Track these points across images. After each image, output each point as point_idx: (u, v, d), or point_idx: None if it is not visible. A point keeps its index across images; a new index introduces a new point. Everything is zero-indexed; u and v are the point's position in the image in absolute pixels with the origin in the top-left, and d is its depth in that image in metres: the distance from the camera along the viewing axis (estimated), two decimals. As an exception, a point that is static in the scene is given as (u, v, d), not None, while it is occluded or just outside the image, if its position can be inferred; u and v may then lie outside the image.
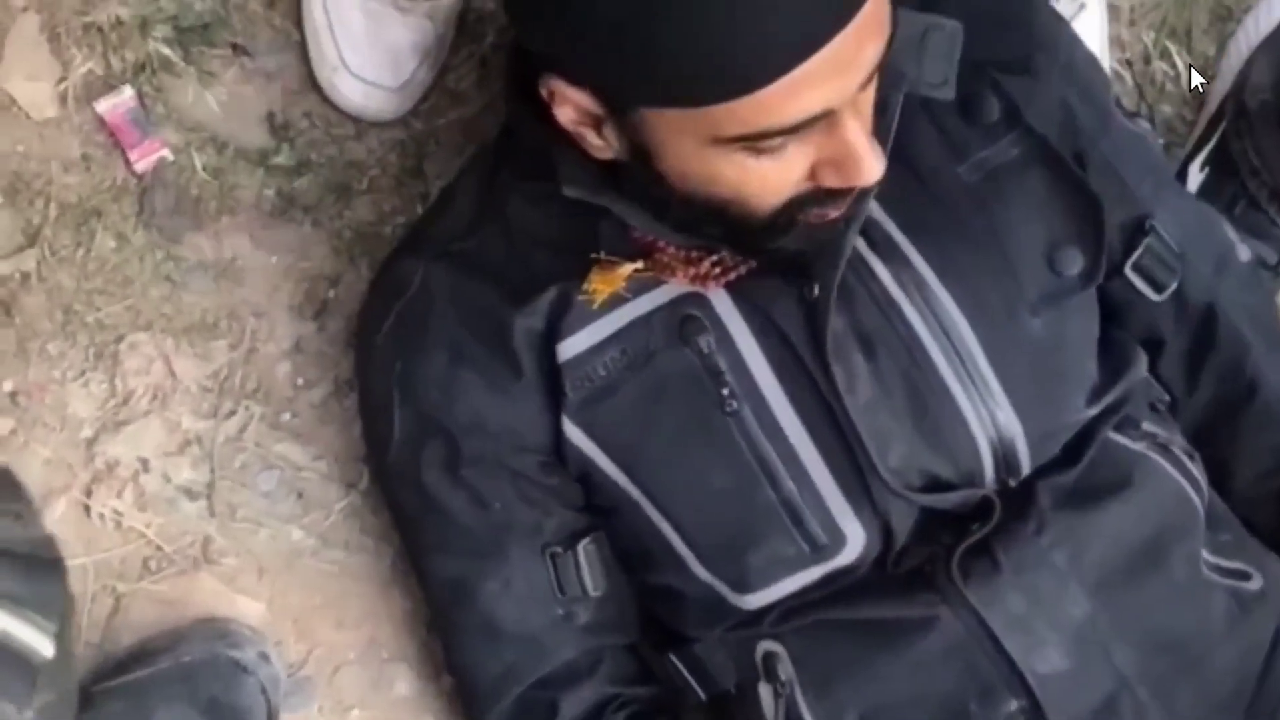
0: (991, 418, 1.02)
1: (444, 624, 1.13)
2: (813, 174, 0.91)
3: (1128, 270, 1.09)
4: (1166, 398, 1.15)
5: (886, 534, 1.03)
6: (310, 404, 1.26)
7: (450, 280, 1.07)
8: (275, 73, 1.28)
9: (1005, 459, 1.03)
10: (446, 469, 1.06)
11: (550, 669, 1.08)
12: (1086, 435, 1.06)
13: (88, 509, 1.22)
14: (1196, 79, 1.34)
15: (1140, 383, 1.11)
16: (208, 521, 1.24)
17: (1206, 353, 1.13)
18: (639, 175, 0.94)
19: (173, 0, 1.27)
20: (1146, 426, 1.09)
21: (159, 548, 1.23)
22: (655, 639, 1.13)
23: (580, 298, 1.02)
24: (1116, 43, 1.34)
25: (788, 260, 0.98)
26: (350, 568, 1.25)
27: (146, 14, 1.26)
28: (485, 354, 1.04)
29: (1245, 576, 1.09)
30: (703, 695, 1.09)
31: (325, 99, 1.28)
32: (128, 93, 1.26)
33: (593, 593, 1.08)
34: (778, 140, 0.88)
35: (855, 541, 1.02)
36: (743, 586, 1.04)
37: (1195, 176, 1.28)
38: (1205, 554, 1.08)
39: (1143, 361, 1.12)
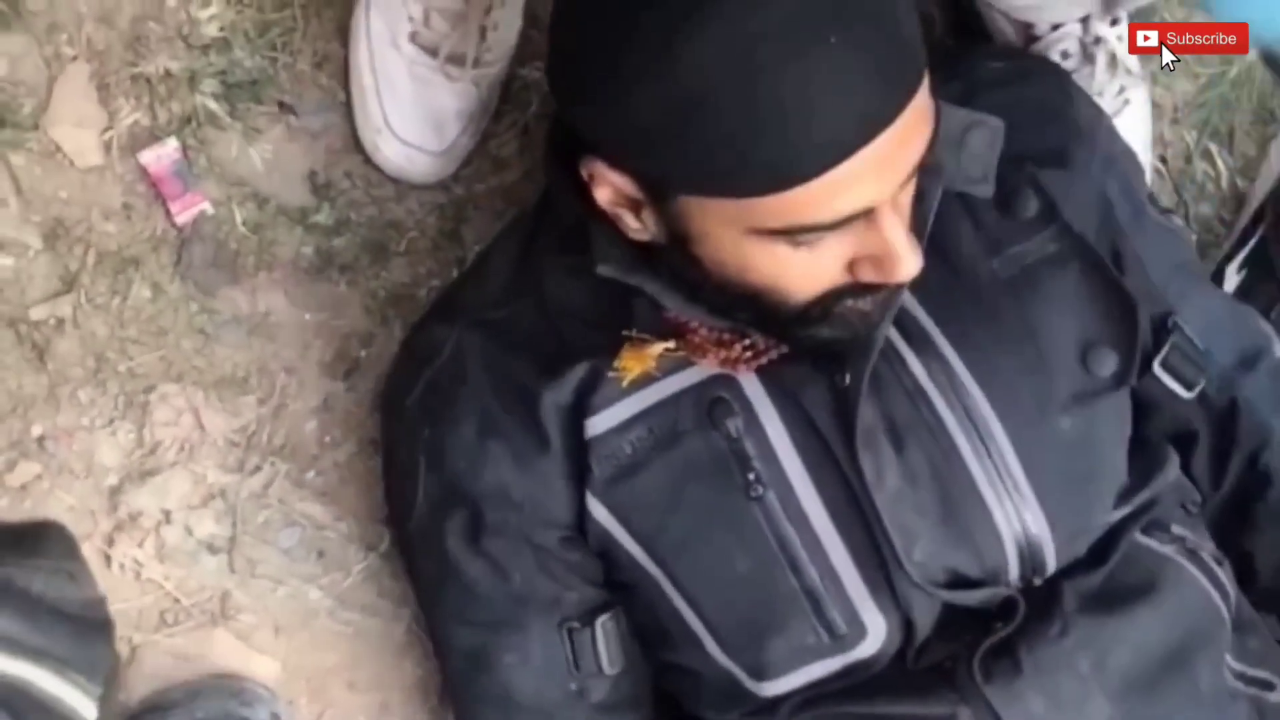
0: (1019, 516, 1.01)
1: (459, 694, 1.13)
2: (850, 268, 0.91)
3: (1156, 368, 1.09)
4: (1199, 499, 1.14)
5: (908, 628, 1.02)
6: (335, 463, 1.26)
7: (482, 349, 1.07)
8: (319, 132, 1.29)
9: (1031, 558, 1.02)
10: (468, 538, 1.06)
11: (562, 744, 1.08)
12: (1114, 536, 1.06)
13: (108, 558, 1.22)
14: (1237, 180, 1.34)
15: (1170, 485, 1.11)
16: (227, 577, 1.24)
17: (1230, 448, 1.13)
18: (674, 258, 0.94)
19: (222, 56, 1.28)
20: (1176, 530, 1.09)
21: (177, 600, 1.23)
22: (670, 717, 1.12)
23: (610, 375, 1.01)
24: (1158, 140, 1.34)
25: (820, 347, 0.98)
26: (365, 630, 1.25)
27: (195, 68, 1.27)
28: (513, 426, 1.04)
29: (1269, 686, 1.08)
30: (716, 777, 1.08)
31: (368, 160, 1.28)
32: (172, 145, 1.27)
33: (608, 670, 1.07)
34: (816, 234, 0.88)
35: (876, 633, 1.01)
36: (760, 673, 1.03)
37: (1232, 278, 1.27)
38: (1230, 660, 1.07)
39: (1174, 463, 1.11)
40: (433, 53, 1.23)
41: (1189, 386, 1.10)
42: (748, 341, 1.01)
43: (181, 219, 1.27)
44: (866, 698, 1.02)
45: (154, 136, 1.27)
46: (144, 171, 1.27)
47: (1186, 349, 1.10)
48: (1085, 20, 1.23)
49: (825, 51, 0.82)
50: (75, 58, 1.27)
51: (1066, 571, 1.04)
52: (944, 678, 1.01)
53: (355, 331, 1.28)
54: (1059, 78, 1.12)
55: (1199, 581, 1.07)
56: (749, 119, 0.83)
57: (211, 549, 1.24)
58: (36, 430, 1.24)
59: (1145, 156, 1.26)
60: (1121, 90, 1.25)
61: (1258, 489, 1.13)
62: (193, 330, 1.27)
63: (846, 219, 0.87)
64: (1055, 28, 1.23)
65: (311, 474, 1.26)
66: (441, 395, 1.07)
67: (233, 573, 1.24)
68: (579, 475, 1.03)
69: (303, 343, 1.27)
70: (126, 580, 1.22)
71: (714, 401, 1.01)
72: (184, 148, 1.27)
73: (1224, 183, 1.35)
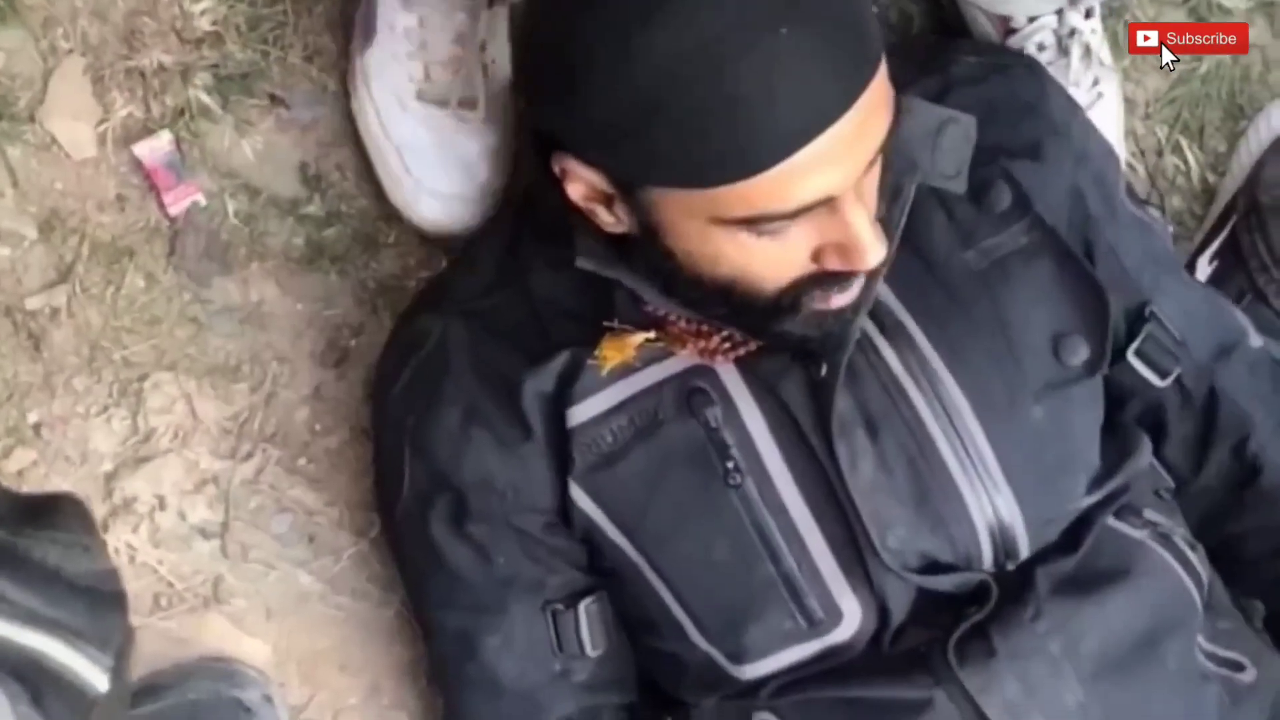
0: (991, 503, 1.03)
1: (444, 676, 1.14)
2: (816, 256, 0.92)
3: (1130, 356, 1.10)
4: (1172, 484, 1.15)
5: (883, 613, 1.03)
6: (326, 450, 1.28)
7: (467, 338, 1.08)
8: (310, 124, 1.31)
9: (1004, 543, 1.04)
10: (453, 524, 1.08)
11: (546, 725, 1.10)
12: (1086, 521, 1.07)
13: (103, 543, 1.24)
14: (1207, 174, 1.36)
15: (1143, 470, 1.12)
16: (220, 561, 1.26)
17: (1211, 437, 1.14)
18: (648, 252, 0.95)
19: (214, 49, 1.30)
20: (1149, 515, 1.10)
21: (170, 584, 1.25)
22: (653, 701, 1.13)
23: (590, 363, 1.03)
24: (1131, 135, 1.35)
25: (795, 345, 1.00)
26: (356, 614, 1.26)
27: (188, 62, 1.29)
28: (497, 414, 1.06)
29: (1239, 668, 1.10)
30: (698, 759, 1.10)
31: (359, 151, 1.29)
32: (165, 137, 1.28)
33: (590, 652, 1.09)
34: (780, 223, 0.89)
35: (851, 618, 1.03)
36: (739, 657, 1.05)
37: (1204, 270, 1.29)
38: (1202, 641, 1.08)
39: (1146, 449, 1.12)
40: (443, 104, 1.24)
41: (1163, 375, 1.11)
42: (726, 332, 1.02)
43: (174, 210, 1.28)
44: (844, 682, 1.04)
45: (148, 129, 1.29)
46: (138, 163, 1.28)
47: (1162, 338, 1.11)
48: (1060, 13, 1.25)
49: (778, 43, 0.84)
50: (70, 51, 1.29)
51: (1040, 556, 1.05)
52: (919, 662, 1.03)
53: (346, 321, 1.29)
54: (1034, 72, 1.13)
55: (1171, 566, 1.08)
56: (706, 112, 0.84)
57: (204, 534, 1.26)
58: (32, 417, 1.26)
59: (1118, 149, 1.28)
60: (1096, 83, 1.26)
61: (1247, 476, 1.14)
62: (186, 319, 1.28)
63: (808, 207, 0.88)
64: (1031, 20, 1.25)
65: (303, 461, 1.28)
66: (426, 384, 1.09)
67: (225, 557, 1.26)
68: (561, 463, 1.05)
69: (294, 332, 1.29)
70: (121, 565, 1.24)
71: (693, 391, 1.02)
72: (177, 140, 1.28)
73: (1194, 177, 1.37)
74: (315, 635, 1.26)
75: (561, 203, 0.97)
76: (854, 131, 0.87)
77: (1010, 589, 1.04)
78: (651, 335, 1.02)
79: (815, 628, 1.03)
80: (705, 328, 1.03)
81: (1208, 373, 1.13)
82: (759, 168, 0.86)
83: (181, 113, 1.29)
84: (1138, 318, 1.11)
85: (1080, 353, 1.05)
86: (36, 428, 1.26)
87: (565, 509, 1.06)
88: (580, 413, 1.04)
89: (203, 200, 1.29)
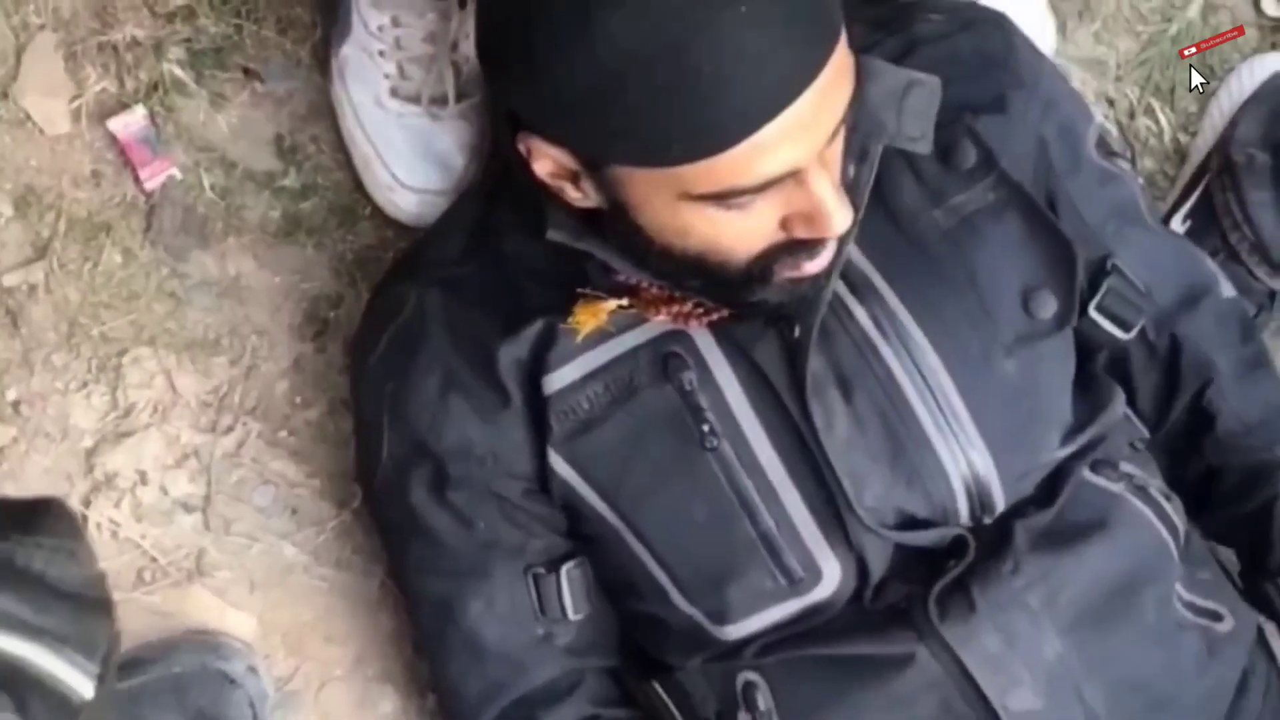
0: (966, 457, 1.04)
1: (429, 642, 1.15)
2: (784, 225, 0.93)
3: (1092, 311, 1.11)
4: (1146, 435, 1.16)
5: (862, 570, 1.04)
6: (307, 422, 1.29)
7: (443, 306, 1.09)
8: (285, 97, 1.31)
9: (980, 498, 1.05)
10: (433, 491, 1.09)
11: (531, 687, 1.10)
12: (1062, 474, 1.08)
13: (85, 519, 1.24)
14: (1179, 135, 1.37)
15: (1118, 422, 1.13)
16: (203, 535, 1.26)
17: (1175, 385, 1.15)
18: (618, 226, 0.96)
19: (187, 23, 1.30)
20: (1125, 467, 1.11)
21: (154, 559, 1.25)
22: (638, 665, 1.14)
23: (564, 328, 1.04)
24: (1103, 98, 1.36)
25: (769, 313, 1.00)
26: (340, 585, 1.27)
27: (161, 36, 1.29)
28: (474, 381, 1.07)
29: (1217, 617, 1.11)
30: (682, 722, 1.11)
31: (335, 126, 1.30)
32: (140, 112, 1.28)
33: (573, 615, 1.10)
34: (747, 197, 0.90)
35: (831, 576, 1.04)
36: (721, 618, 1.06)
37: (1178, 229, 1.30)
38: (1181, 590, 1.09)
39: (1120, 401, 1.13)
40: (415, 100, 1.25)
41: (1126, 328, 1.12)
42: (698, 298, 1.03)
43: (150, 185, 1.28)
44: (827, 640, 1.05)
45: (122, 104, 1.29)
46: (113, 139, 1.29)
47: (1124, 290, 1.12)
48: None
49: (736, 18, 0.84)
50: (43, 27, 1.29)
51: (1017, 510, 1.06)
52: (901, 618, 1.04)
53: (324, 294, 1.30)
54: (1000, 26, 1.13)
55: (1147, 517, 1.09)
56: (667, 91, 0.85)
57: (187, 508, 1.26)
58: (11, 395, 1.26)
59: (1046, 25, 1.28)
60: None
61: (1203, 424, 1.15)
62: (164, 294, 1.29)
63: (773, 181, 0.89)
64: None
65: (284, 433, 1.28)
66: (404, 352, 1.09)
67: (208, 531, 1.26)
68: (539, 431, 1.06)
69: (272, 305, 1.30)
70: (104, 540, 1.24)
71: (668, 356, 1.03)
72: (151, 115, 1.29)
73: (1166, 138, 1.37)
74: (300, 607, 1.26)
75: (531, 179, 0.97)
76: (817, 105, 0.87)
77: (988, 543, 1.04)
78: (624, 302, 1.03)
79: (795, 586, 1.04)
80: (679, 293, 1.03)
81: (1171, 321, 1.14)
82: (722, 146, 0.87)
83: (155, 87, 1.29)
84: (1099, 271, 1.11)
85: (1049, 306, 1.06)
86: (16, 405, 1.26)
87: (544, 475, 1.07)
88: (556, 380, 1.04)
89: (178, 175, 1.29)
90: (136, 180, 1.29)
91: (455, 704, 1.14)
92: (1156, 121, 1.37)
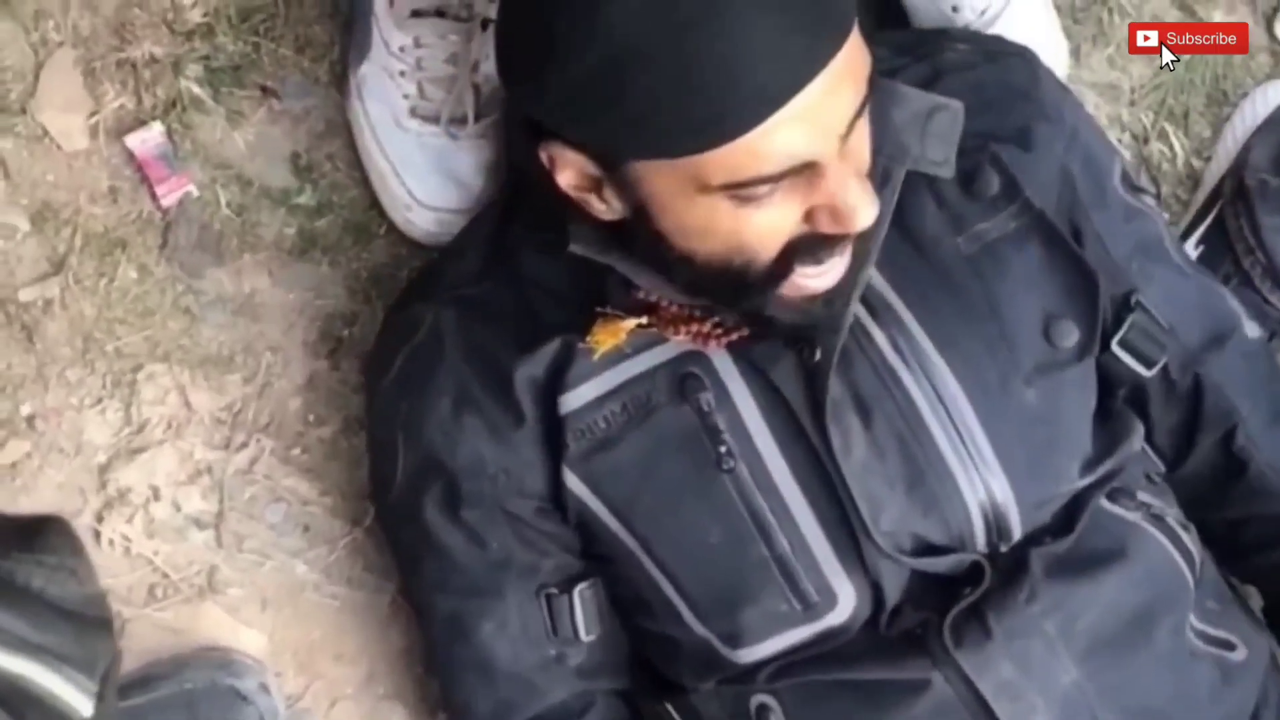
0: (984, 485, 1.04)
1: (440, 661, 1.15)
2: (809, 217, 0.92)
3: (1115, 346, 1.11)
4: (1162, 469, 1.16)
5: (877, 595, 1.04)
6: (320, 440, 1.29)
7: (459, 325, 1.09)
8: (302, 115, 1.32)
9: (997, 525, 1.05)
10: (446, 509, 1.09)
11: (541, 709, 1.10)
12: (1079, 503, 1.08)
13: (98, 534, 1.25)
14: (1192, 160, 1.37)
15: (1136, 454, 1.13)
16: (215, 551, 1.26)
17: (1196, 426, 1.15)
18: (641, 234, 0.95)
19: (205, 41, 1.30)
20: (1142, 497, 1.11)
21: (166, 575, 1.25)
22: (650, 687, 1.14)
23: (582, 347, 1.04)
24: (1116, 123, 1.36)
25: (786, 333, 1.00)
26: (351, 603, 1.27)
27: (180, 53, 1.30)
28: (489, 400, 1.07)
29: (1230, 647, 1.11)
30: (695, 744, 1.10)
31: (350, 143, 1.30)
32: (157, 129, 1.29)
33: (585, 637, 1.10)
34: (764, 188, 0.90)
35: (846, 601, 1.04)
36: (735, 641, 1.05)
37: (1191, 253, 1.30)
38: (1194, 620, 1.09)
39: (1139, 433, 1.13)
40: (435, 120, 1.25)
41: (1149, 365, 1.12)
42: (718, 317, 1.03)
43: (167, 201, 1.29)
44: (842, 664, 1.05)
45: (139, 121, 1.29)
46: (130, 155, 1.29)
47: (1148, 327, 1.12)
48: None
49: (746, 5, 0.84)
50: (62, 43, 1.29)
51: (1034, 538, 1.06)
52: (916, 644, 1.03)
53: (339, 311, 1.30)
54: (1025, 59, 1.14)
55: (1164, 547, 1.09)
56: (677, 78, 0.85)
57: (199, 524, 1.26)
58: (26, 409, 1.26)
59: (1055, 40, 1.28)
60: None
61: (1235, 469, 1.15)
62: (179, 310, 1.29)
63: (787, 171, 0.89)
64: None
65: (297, 450, 1.28)
66: (419, 370, 1.09)
67: (220, 548, 1.26)
68: (554, 450, 1.06)
69: (287, 322, 1.30)
70: (116, 556, 1.24)
71: (686, 376, 1.03)
72: (169, 131, 1.29)
73: (1180, 163, 1.37)
74: (311, 625, 1.26)
75: (553, 193, 0.97)
76: (828, 92, 0.87)
77: (1004, 571, 1.04)
78: (644, 320, 1.03)
79: (810, 610, 1.04)
80: (699, 312, 1.03)
81: (1195, 362, 1.14)
82: (733, 134, 0.87)
83: (173, 104, 1.29)
84: (1123, 306, 1.11)
85: (1071, 335, 1.06)
86: (30, 420, 1.26)
87: (558, 494, 1.07)
88: (573, 399, 1.04)
89: (195, 191, 1.29)
90: (153, 196, 1.29)
91: (465, 724, 1.14)
92: (1170, 146, 1.37)
